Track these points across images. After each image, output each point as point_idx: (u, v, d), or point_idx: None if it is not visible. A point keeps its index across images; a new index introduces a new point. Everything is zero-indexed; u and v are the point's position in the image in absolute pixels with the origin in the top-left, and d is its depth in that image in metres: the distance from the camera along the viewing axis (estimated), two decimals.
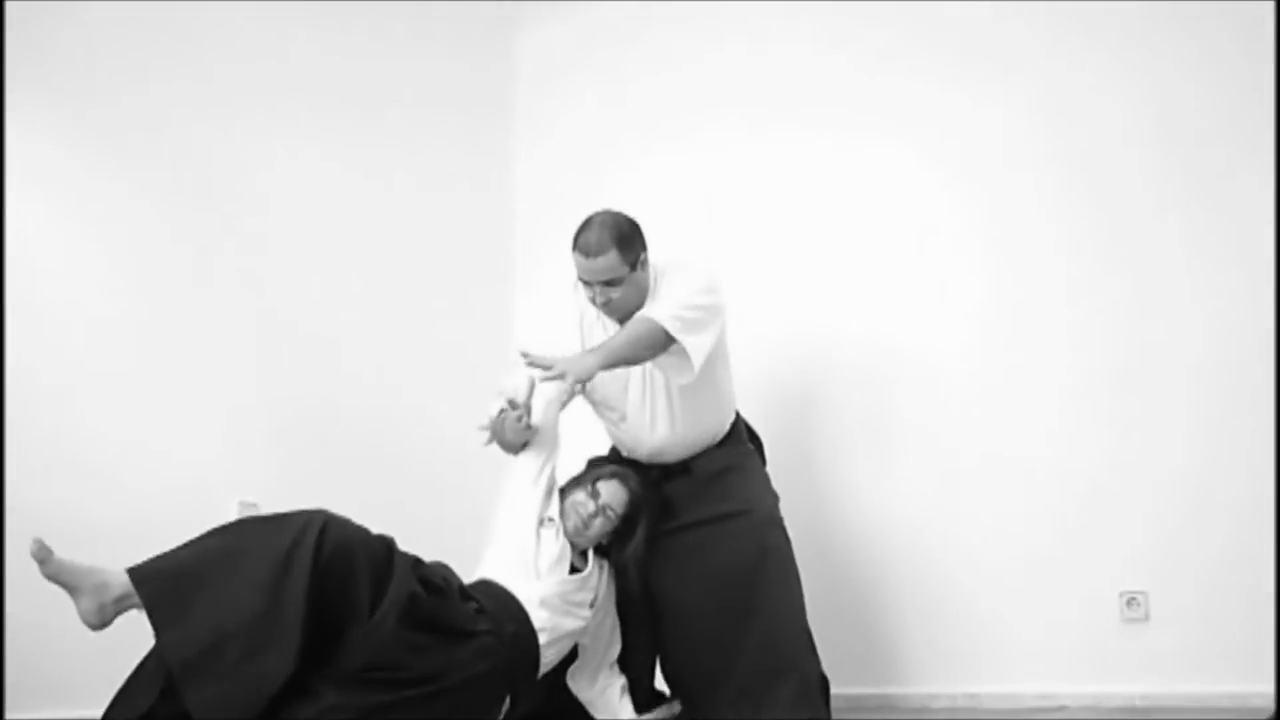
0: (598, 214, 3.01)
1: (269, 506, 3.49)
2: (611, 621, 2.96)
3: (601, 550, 2.97)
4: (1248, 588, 3.10)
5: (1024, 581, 3.40)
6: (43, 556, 2.19)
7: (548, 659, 2.72)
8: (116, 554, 3.12)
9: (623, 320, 3.02)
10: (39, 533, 2.97)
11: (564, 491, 2.94)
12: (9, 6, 3.16)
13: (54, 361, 3.18)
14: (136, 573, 2.19)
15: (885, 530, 3.62)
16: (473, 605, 2.58)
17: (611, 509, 2.88)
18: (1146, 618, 3.24)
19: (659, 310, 2.91)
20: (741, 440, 3.23)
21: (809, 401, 3.81)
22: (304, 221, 3.84)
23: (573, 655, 2.91)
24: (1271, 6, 3.22)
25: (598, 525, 2.87)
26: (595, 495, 2.88)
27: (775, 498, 3.16)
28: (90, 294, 3.29)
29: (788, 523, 3.07)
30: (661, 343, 2.89)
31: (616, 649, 2.97)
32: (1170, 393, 3.29)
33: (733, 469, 3.13)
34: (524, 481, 2.91)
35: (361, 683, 2.26)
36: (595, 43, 4.45)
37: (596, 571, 2.90)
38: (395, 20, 4.21)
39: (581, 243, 2.95)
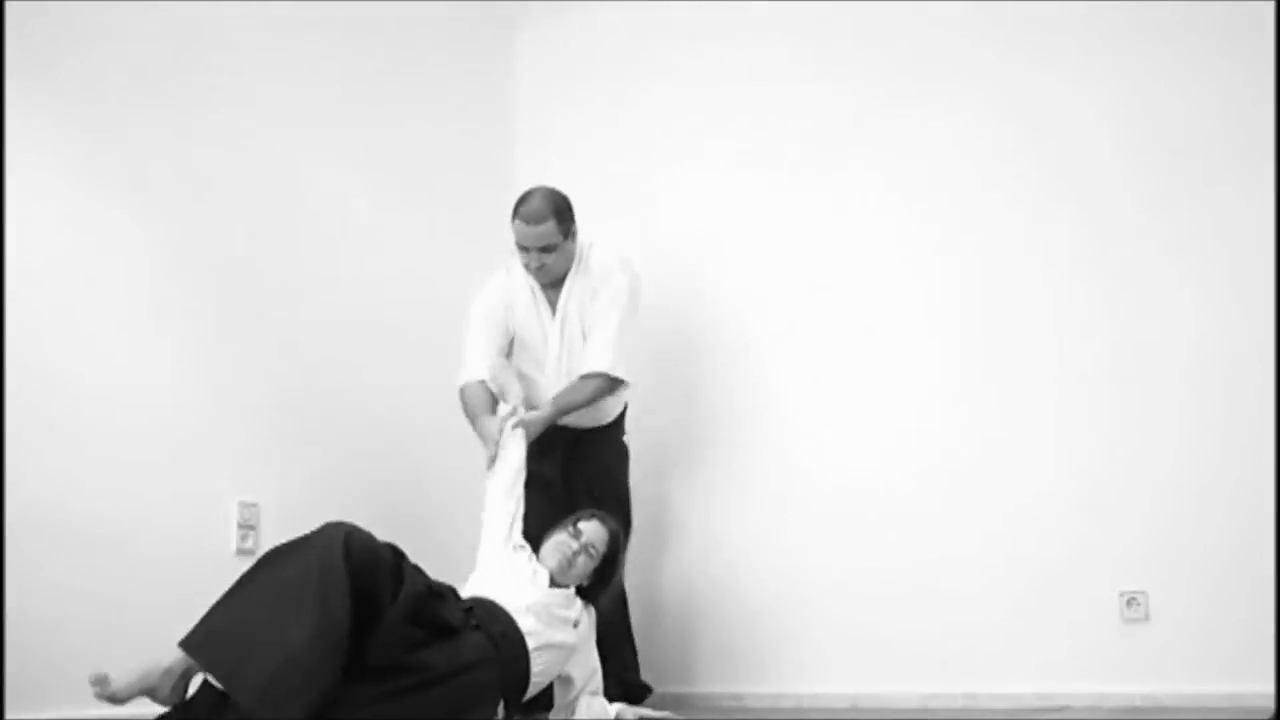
0: (536, 188, 3.41)
1: (269, 507, 3.53)
2: (594, 664, 3.04)
3: (580, 593, 3.03)
4: (1248, 588, 3.10)
5: (1024, 581, 3.40)
6: (109, 693, 2.20)
7: (538, 668, 2.74)
8: (116, 553, 3.17)
9: (552, 284, 3.47)
10: (38, 531, 3.02)
11: (545, 535, 3.06)
12: (9, 7, 3.15)
13: (55, 361, 3.17)
14: (189, 643, 2.23)
15: (885, 530, 3.62)
16: (464, 605, 2.64)
17: (594, 547, 2.99)
18: (1146, 618, 3.24)
19: (605, 360, 3.38)
20: (623, 432, 3.66)
21: (815, 397, 3.82)
22: (305, 225, 3.83)
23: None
24: (1247, 12, 3.25)
25: (581, 563, 2.98)
26: (577, 534, 3.00)
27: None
28: (90, 293, 3.28)
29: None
30: (612, 386, 3.43)
31: (597, 683, 3.04)
32: (1170, 392, 3.29)
33: (611, 486, 3.56)
34: (495, 509, 3.11)
35: (357, 674, 2.27)
36: (597, 45, 4.47)
37: (579, 603, 2.99)
38: (396, 26, 4.22)
39: (524, 211, 3.35)
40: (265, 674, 2.15)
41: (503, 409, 3.29)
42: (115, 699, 2.21)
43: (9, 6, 3.13)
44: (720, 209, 4.08)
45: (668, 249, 4.12)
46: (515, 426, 3.23)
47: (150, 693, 2.24)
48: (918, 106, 3.75)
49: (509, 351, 3.55)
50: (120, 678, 2.21)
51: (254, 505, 3.52)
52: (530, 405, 3.44)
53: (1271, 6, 3.22)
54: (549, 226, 3.35)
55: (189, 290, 3.51)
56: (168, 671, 2.23)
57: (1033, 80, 3.58)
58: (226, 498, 3.48)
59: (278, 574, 2.28)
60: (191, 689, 2.30)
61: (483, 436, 3.29)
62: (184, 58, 3.56)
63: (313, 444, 3.73)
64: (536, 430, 3.31)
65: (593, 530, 3.01)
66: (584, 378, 3.42)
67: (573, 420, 3.49)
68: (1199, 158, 3.33)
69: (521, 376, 3.48)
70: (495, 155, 4.53)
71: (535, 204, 3.35)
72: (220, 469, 3.48)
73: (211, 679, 2.22)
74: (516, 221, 3.36)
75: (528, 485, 3.23)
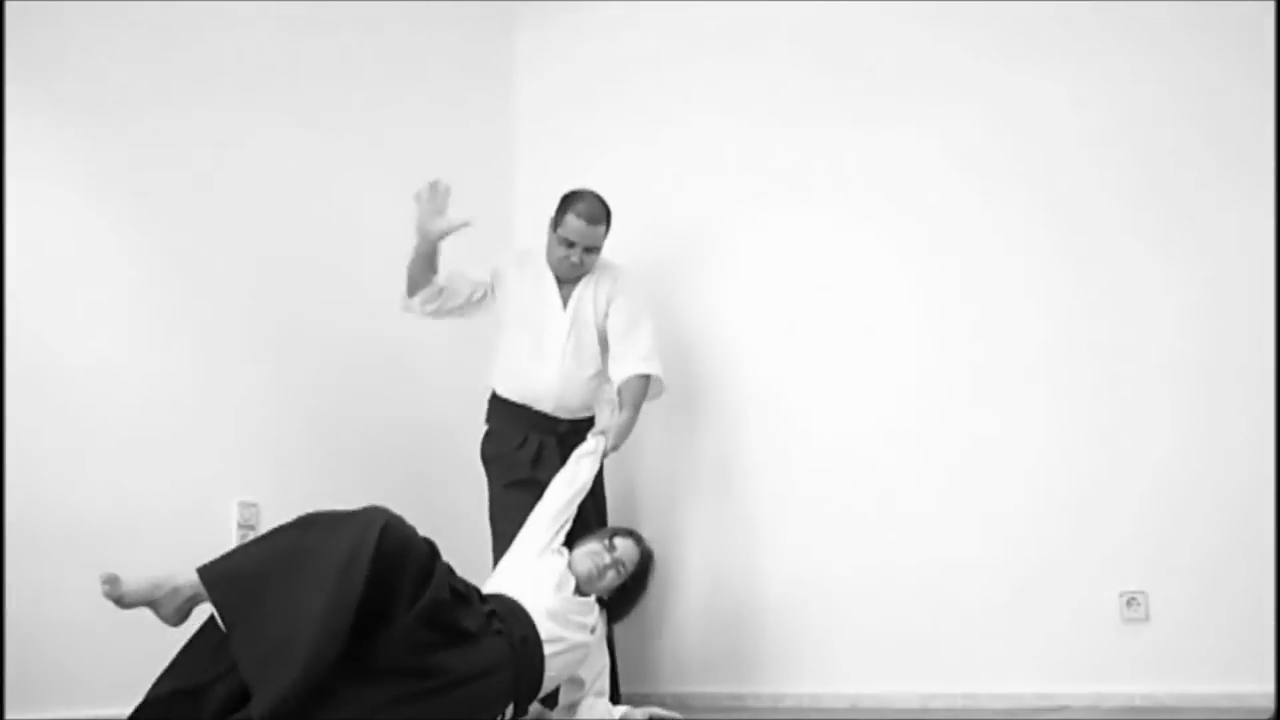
0: (585, 190, 3.49)
1: (269, 506, 3.52)
2: (603, 663, 3.08)
3: (600, 604, 3.08)
4: (1247, 588, 3.10)
5: (1024, 581, 3.40)
6: (117, 594, 2.23)
7: (554, 669, 2.77)
8: (116, 553, 3.14)
9: (572, 280, 3.55)
10: (39, 531, 3.02)
11: (575, 542, 3.12)
12: (9, 8, 3.16)
13: (55, 361, 3.17)
14: (207, 574, 2.23)
15: (886, 530, 3.62)
16: (487, 608, 2.65)
17: (624, 565, 3.05)
18: (1146, 618, 3.24)
19: (653, 365, 3.48)
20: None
21: (815, 397, 3.83)
22: (306, 226, 3.83)
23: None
24: (1235, 14, 3.25)
25: (610, 577, 3.03)
26: (612, 549, 3.04)
27: None
28: (91, 294, 3.28)
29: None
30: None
31: (603, 683, 3.08)
32: (1169, 392, 3.29)
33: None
34: (547, 514, 3.16)
35: (373, 676, 2.27)
36: (598, 46, 4.47)
37: (597, 609, 3.03)
38: (396, 27, 4.22)
39: (585, 210, 3.44)
40: (268, 639, 2.13)
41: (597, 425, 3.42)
42: (120, 602, 2.23)
43: (9, 8, 3.13)
44: (721, 210, 4.09)
45: (668, 249, 4.13)
46: (598, 435, 3.33)
47: (154, 605, 2.25)
48: (913, 113, 3.75)
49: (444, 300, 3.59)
50: (130, 583, 2.23)
51: (254, 505, 3.52)
52: (526, 397, 3.52)
53: (1260, 9, 3.22)
54: (602, 229, 3.49)
55: (190, 291, 3.51)
56: (176, 590, 2.24)
57: (1023, 86, 3.58)
58: (226, 498, 3.49)
59: (308, 542, 2.26)
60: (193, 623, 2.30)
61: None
62: (184, 59, 3.56)
63: (313, 444, 3.73)
64: (622, 439, 3.35)
65: (627, 548, 3.06)
66: (637, 377, 3.46)
67: (566, 414, 3.54)
68: (1186, 161, 3.33)
69: (519, 368, 3.54)
70: (496, 157, 4.54)
71: (595, 205, 3.46)
72: (220, 469, 3.48)
73: (218, 618, 2.21)
74: (573, 217, 3.44)
75: (531, 486, 3.26)
